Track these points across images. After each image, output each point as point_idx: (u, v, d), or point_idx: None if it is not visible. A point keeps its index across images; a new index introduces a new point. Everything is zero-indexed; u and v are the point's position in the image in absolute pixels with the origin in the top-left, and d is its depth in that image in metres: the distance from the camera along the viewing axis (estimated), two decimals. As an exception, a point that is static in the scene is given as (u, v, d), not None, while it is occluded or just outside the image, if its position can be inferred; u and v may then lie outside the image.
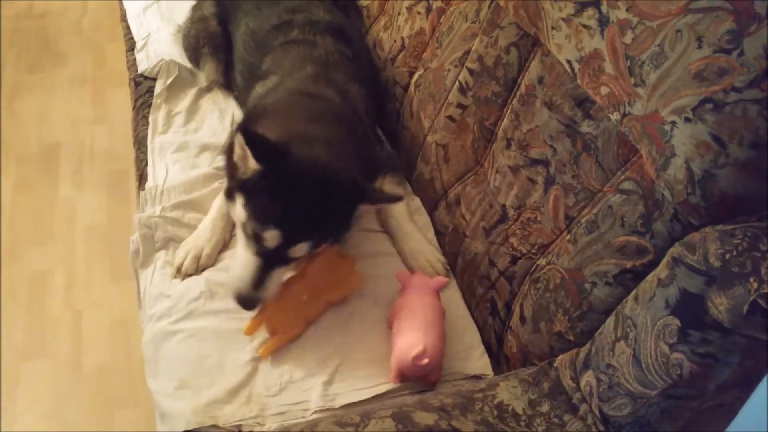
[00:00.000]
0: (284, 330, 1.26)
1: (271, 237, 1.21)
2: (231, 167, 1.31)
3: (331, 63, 1.62)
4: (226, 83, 1.90)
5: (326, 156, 1.27)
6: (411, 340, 1.20)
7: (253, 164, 1.21)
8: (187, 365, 1.23)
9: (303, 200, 1.20)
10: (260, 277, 1.23)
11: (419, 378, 1.22)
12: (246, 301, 1.24)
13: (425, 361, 1.17)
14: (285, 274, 1.29)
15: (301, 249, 1.24)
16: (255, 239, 1.23)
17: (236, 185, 1.27)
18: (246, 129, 1.24)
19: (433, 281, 1.33)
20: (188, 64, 1.93)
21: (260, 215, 1.22)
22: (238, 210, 1.25)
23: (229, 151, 1.31)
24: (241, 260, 1.25)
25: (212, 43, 1.89)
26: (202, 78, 1.90)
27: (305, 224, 1.22)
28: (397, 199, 1.43)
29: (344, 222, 1.31)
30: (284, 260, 1.25)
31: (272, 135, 1.24)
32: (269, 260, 1.23)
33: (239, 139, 1.20)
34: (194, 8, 2.02)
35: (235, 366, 1.23)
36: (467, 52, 1.45)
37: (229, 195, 1.30)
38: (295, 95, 1.49)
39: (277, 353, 1.24)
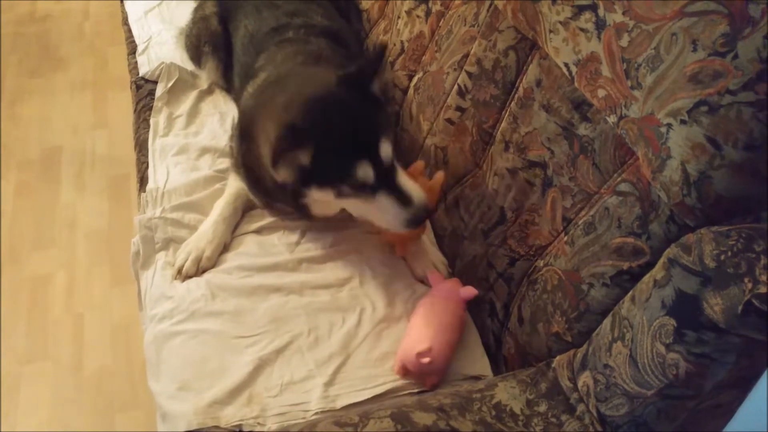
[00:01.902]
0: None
1: (363, 170, 1.22)
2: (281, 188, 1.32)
3: (323, 57, 1.62)
4: (226, 86, 1.91)
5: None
6: (420, 336, 1.22)
7: (305, 161, 1.22)
8: (189, 367, 1.24)
9: (347, 121, 1.24)
10: (401, 197, 1.25)
11: (419, 375, 1.22)
12: (415, 221, 1.27)
13: (427, 359, 1.18)
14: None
15: (386, 148, 1.25)
16: (360, 188, 1.24)
17: (300, 182, 1.27)
18: (280, 152, 1.22)
19: (462, 290, 1.32)
20: (190, 67, 1.94)
21: (340, 168, 1.23)
22: (320, 194, 1.27)
23: (274, 187, 1.34)
24: (381, 209, 1.26)
25: (212, 41, 1.89)
26: (204, 78, 1.91)
27: (367, 131, 1.25)
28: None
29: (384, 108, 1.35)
30: (390, 166, 1.27)
31: (279, 122, 1.26)
32: (385, 180, 1.25)
33: (281, 166, 1.23)
34: (196, 9, 2.02)
35: (237, 367, 1.23)
36: (466, 56, 1.46)
37: (296, 196, 1.32)
38: (279, 78, 1.50)
39: (277, 354, 1.25)
